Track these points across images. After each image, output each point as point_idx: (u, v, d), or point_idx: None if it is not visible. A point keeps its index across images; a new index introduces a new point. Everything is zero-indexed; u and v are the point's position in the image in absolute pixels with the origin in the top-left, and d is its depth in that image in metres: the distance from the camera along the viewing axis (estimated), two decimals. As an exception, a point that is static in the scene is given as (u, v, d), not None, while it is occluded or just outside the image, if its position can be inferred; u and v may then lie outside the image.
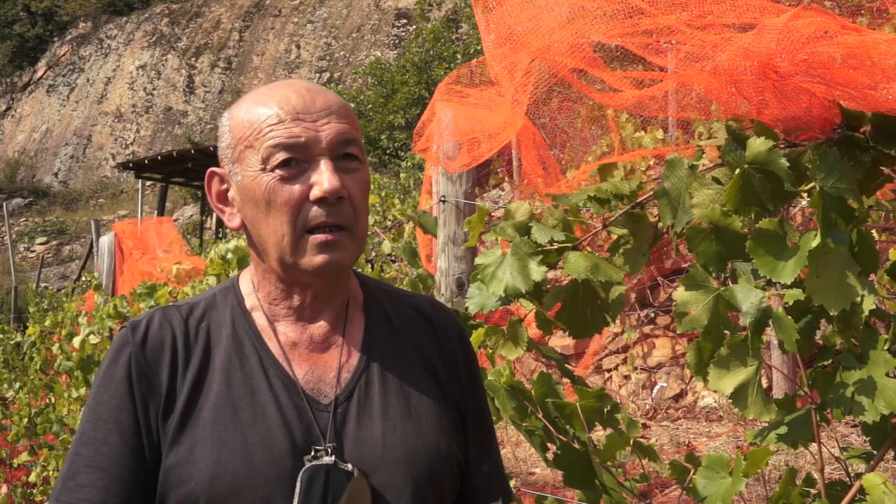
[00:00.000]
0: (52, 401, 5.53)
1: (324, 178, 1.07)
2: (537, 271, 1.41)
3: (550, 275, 1.46)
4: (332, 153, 1.09)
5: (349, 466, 1.08)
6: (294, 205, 1.08)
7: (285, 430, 1.08)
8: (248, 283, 1.20)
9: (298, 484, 1.05)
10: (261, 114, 1.10)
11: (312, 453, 1.07)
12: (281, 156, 1.08)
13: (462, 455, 1.20)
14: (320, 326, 1.16)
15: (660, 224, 1.38)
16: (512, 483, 1.79)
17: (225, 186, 1.16)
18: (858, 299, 1.14)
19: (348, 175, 1.10)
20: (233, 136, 1.13)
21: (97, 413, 1.10)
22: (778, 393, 4.71)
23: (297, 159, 1.08)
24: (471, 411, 1.24)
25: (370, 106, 17.90)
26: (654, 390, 5.68)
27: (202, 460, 1.06)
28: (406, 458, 1.11)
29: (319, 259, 1.09)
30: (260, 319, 1.16)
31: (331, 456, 1.07)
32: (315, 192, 1.07)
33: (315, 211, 1.08)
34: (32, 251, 26.95)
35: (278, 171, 1.08)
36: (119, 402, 1.09)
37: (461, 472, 1.20)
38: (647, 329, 5.99)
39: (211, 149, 16.95)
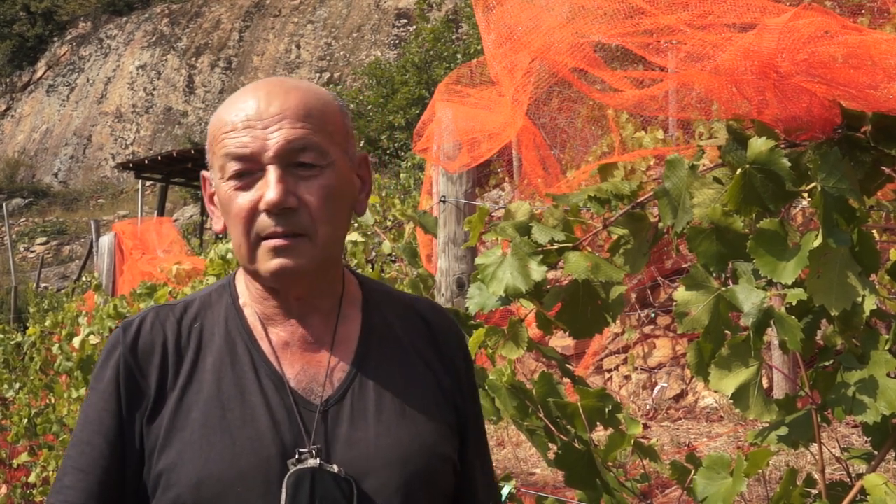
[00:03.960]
0: (52, 401, 5.53)
1: (268, 190, 1.04)
2: (537, 271, 1.41)
3: (551, 275, 1.46)
4: (282, 161, 1.06)
5: (335, 468, 1.06)
6: (246, 216, 1.06)
7: (275, 432, 1.07)
8: (243, 281, 1.19)
9: (284, 490, 1.03)
10: (220, 120, 1.10)
11: (297, 456, 1.05)
12: (232, 166, 1.07)
13: (457, 460, 1.18)
14: (312, 325, 1.15)
15: (660, 224, 1.38)
16: (512, 483, 1.79)
17: (212, 189, 1.15)
18: (859, 299, 1.14)
19: (304, 182, 1.07)
20: (208, 140, 1.13)
21: (85, 415, 1.10)
22: (778, 393, 4.71)
23: (248, 169, 1.06)
24: (470, 418, 1.23)
25: (370, 106, 17.88)
26: (655, 391, 5.67)
27: (189, 463, 1.04)
28: (399, 460, 1.09)
29: (274, 264, 1.07)
30: (252, 318, 1.15)
31: (316, 458, 1.05)
32: (262, 205, 1.05)
33: (265, 221, 1.06)
34: (32, 251, 26.95)
35: (232, 182, 1.07)
36: (105, 403, 1.09)
37: (456, 477, 1.18)
38: (647, 329, 5.99)
39: (211, 149, 16.95)
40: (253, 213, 1.06)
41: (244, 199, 1.06)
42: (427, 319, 1.25)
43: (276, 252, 1.06)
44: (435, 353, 1.22)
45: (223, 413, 1.07)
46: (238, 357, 1.12)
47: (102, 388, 1.10)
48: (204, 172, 1.17)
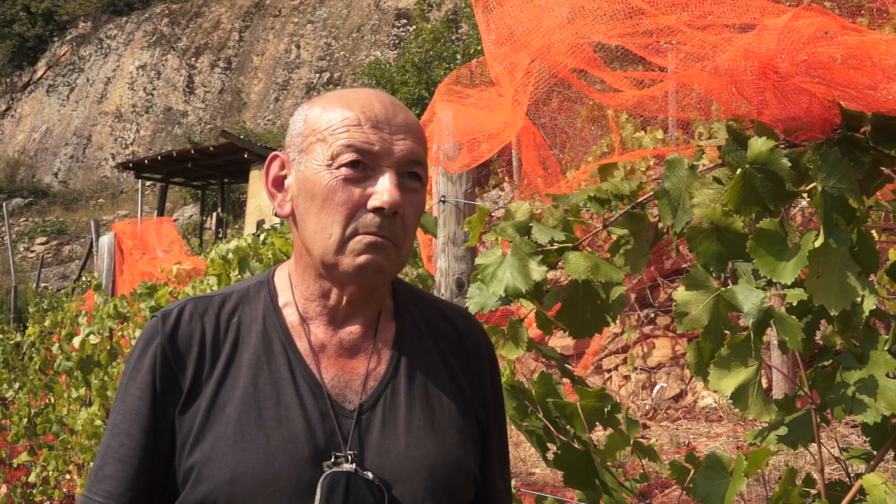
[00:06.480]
0: (52, 401, 5.53)
1: (385, 190, 1.08)
2: (537, 271, 1.41)
3: (550, 275, 1.46)
4: (399, 169, 1.10)
5: (369, 475, 1.07)
6: (351, 207, 1.08)
7: (308, 435, 1.08)
8: (284, 278, 1.20)
9: (319, 490, 1.04)
10: (341, 112, 1.11)
11: (333, 459, 1.07)
12: (350, 156, 1.08)
13: (478, 471, 1.20)
14: (351, 332, 1.16)
15: (660, 224, 1.38)
16: (512, 483, 1.79)
17: (284, 172, 1.16)
18: (859, 299, 1.14)
19: (407, 194, 1.11)
20: (307, 125, 1.13)
21: (125, 404, 1.11)
22: (778, 393, 4.71)
23: (364, 164, 1.09)
24: (493, 430, 1.24)
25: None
26: (654, 390, 5.68)
27: (223, 459, 1.05)
28: (427, 470, 1.11)
29: (362, 259, 1.09)
30: (291, 317, 1.16)
31: (351, 463, 1.07)
32: (374, 202, 1.08)
33: (370, 219, 1.08)
34: (32, 251, 26.95)
35: (343, 171, 1.08)
36: (142, 393, 1.10)
37: (476, 489, 1.20)
38: (647, 329, 6.00)
39: (210, 149, 16.97)
40: (357, 207, 1.09)
41: (353, 192, 1.08)
42: (458, 328, 1.26)
43: (370, 248, 1.09)
44: (461, 362, 1.23)
45: (259, 412, 1.08)
46: (275, 356, 1.13)
47: (141, 377, 1.11)
48: (280, 153, 1.17)
